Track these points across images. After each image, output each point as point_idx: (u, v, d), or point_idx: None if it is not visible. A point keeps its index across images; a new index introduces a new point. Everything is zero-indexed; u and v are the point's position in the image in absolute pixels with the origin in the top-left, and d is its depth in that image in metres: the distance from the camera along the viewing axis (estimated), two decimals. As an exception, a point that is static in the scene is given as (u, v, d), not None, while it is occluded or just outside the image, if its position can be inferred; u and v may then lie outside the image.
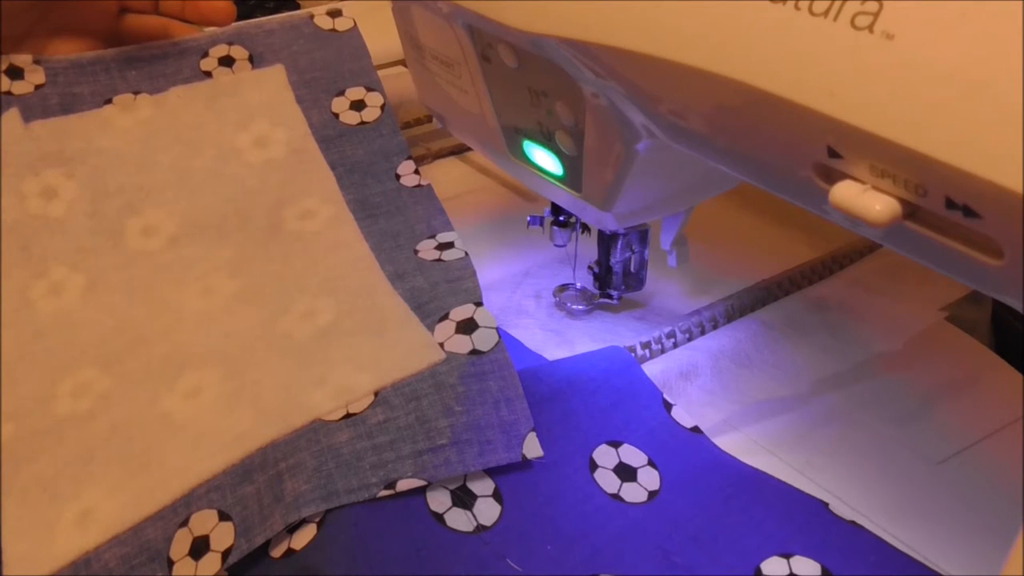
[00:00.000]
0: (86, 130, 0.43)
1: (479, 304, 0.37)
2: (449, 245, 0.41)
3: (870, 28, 0.20)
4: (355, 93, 0.47)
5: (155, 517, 0.31)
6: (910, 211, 0.22)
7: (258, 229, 0.42)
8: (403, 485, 0.31)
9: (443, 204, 0.43)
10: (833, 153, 0.22)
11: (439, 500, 0.31)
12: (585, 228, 0.46)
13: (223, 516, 0.31)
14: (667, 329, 0.43)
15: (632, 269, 0.45)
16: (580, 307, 0.46)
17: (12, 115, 0.41)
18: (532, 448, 0.33)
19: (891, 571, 0.31)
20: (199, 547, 0.30)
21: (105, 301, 0.39)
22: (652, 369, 0.40)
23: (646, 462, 0.35)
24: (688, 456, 0.35)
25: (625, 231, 0.43)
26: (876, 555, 0.31)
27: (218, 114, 0.45)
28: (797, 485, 0.34)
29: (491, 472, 0.32)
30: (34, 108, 0.42)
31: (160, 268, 0.40)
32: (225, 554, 0.30)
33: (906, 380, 0.41)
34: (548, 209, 0.46)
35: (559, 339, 0.44)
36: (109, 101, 0.44)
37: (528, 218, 0.47)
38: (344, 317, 0.38)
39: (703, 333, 0.44)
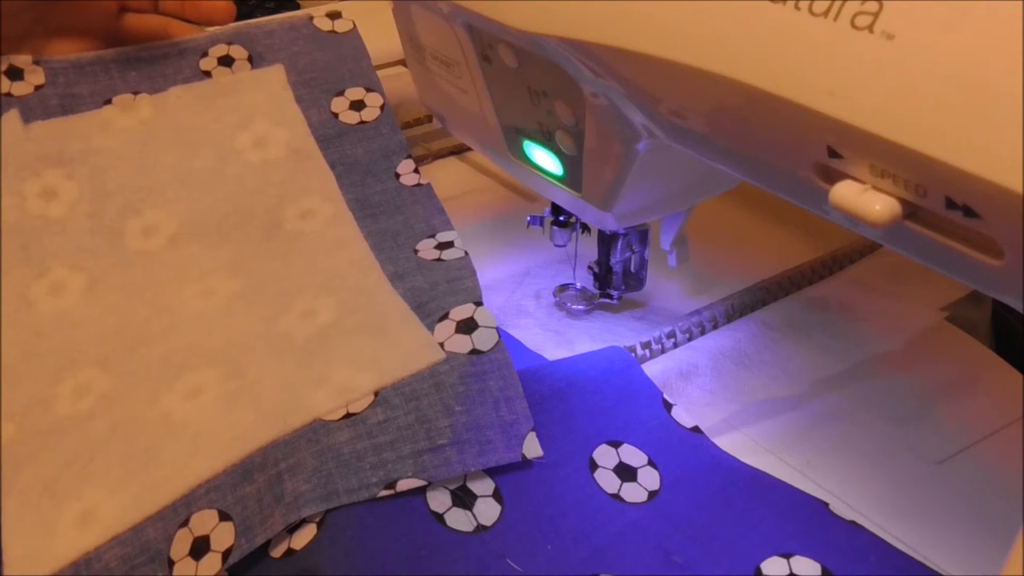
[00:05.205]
0: (86, 131, 0.43)
1: (479, 304, 0.37)
2: (449, 244, 0.41)
3: (870, 28, 0.20)
4: (355, 93, 0.47)
5: (155, 517, 0.31)
6: (910, 211, 0.22)
7: (258, 229, 0.42)
8: (403, 485, 0.31)
9: (443, 204, 0.43)
10: (833, 153, 0.23)
11: (439, 500, 0.31)
12: (585, 228, 0.46)
13: (223, 516, 0.31)
14: (667, 329, 0.43)
15: (632, 269, 0.45)
16: (580, 307, 0.46)
17: (12, 116, 0.41)
18: (532, 448, 0.33)
19: (891, 571, 0.31)
20: (199, 547, 0.30)
21: (105, 301, 0.39)
22: (652, 369, 0.40)
23: (646, 462, 0.35)
24: (688, 456, 0.35)
25: (625, 231, 0.43)
26: (876, 555, 0.31)
27: (218, 114, 0.45)
28: (797, 485, 0.34)
29: (491, 472, 0.32)
30: (34, 109, 0.42)
31: (160, 268, 0.40)
32: (225, 554, 0.30)
33: (906, 380, 0.41)
34: (548, 209, 0.46)
35: (559, 339, 0.44)
36: (109, 101, 0.44)
37: (528, 218, 0.47)
38: (344, 317, 0.38)
39: (703, 333, 0.44)
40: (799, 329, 0.44)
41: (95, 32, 0.46)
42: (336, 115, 0.46)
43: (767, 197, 0.32)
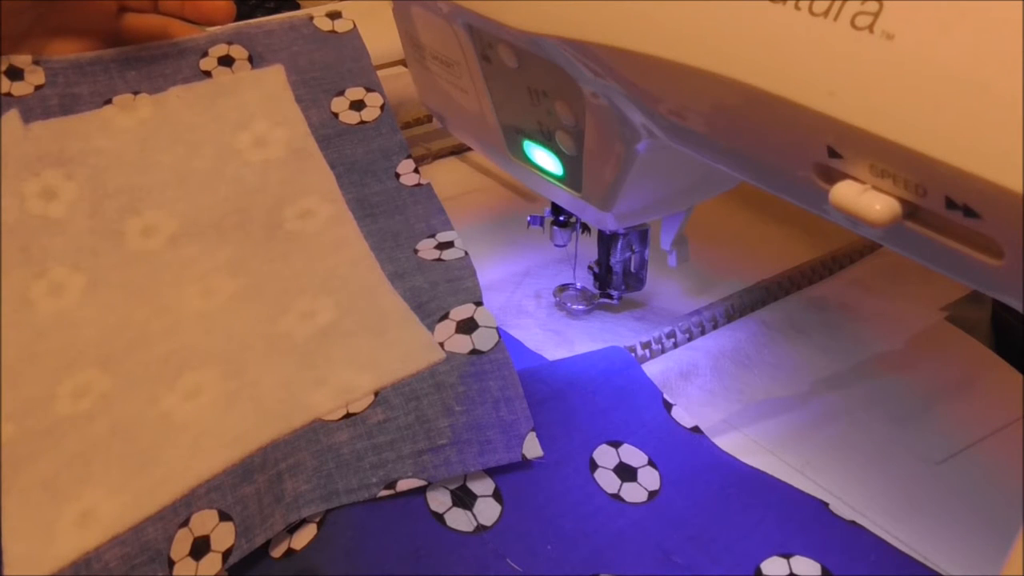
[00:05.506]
0: (86, 131, 0.43)
1: (479, 304, 0.37)
2: (449, 244, 0.41)
3: (870, 28, 0.20)
4: (355, 93, 0.47)
5: (155, 517, 0.31)
6: (910, 211, 0.22)
7: (258, 229, 0.42)
8: (403, 485, 0.31)
9: (443, 204, 0.43)
10: (833, 153, 0.23)
11: (439, 500, 0.31)
12: (585, 228, 0.46)
13: (223, 516, 0.31)
14: (667, 329, 0.43)
15: (632, 269, 0.45)
16: (580, 307, 0.46)
17: (12, 116, 0.41)
18: (532, 448, 0.33)
19: (891, 571, 0.31)
20: (200, 547, 0.30)
21: (105, 301, 0.39)
22: (652, 369, 0.40)
23: (646, 462, 0.35)
24: (688, 456, 0.35)
25: (625, 231, 0.43)
26: (876, 555, 0.31)
27: (218, 114, 0.45)
28: (797, 485, 0.34)
29: (491, 472, 0.32)
30: (34, 109, 0.42)
31: (160, 268, 0.40)
32: (226, 554, 0.30)
33: (906, 380, 0.41)
34: (548, 209, 0.46)
35: (559, 339, 0.44)
36: (109, 101, 0.44)
37: (528, 218, 0.47)
38: (344, 317, 0.38)
39: (703, 333, 0.44)
40: (799, 329, 0.44)
41: (95, 32, 0.46)
42: (336, 115, 0.46)
43: (767, 197, 0.32)
